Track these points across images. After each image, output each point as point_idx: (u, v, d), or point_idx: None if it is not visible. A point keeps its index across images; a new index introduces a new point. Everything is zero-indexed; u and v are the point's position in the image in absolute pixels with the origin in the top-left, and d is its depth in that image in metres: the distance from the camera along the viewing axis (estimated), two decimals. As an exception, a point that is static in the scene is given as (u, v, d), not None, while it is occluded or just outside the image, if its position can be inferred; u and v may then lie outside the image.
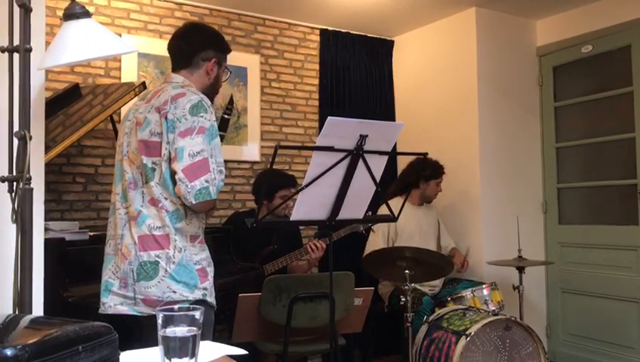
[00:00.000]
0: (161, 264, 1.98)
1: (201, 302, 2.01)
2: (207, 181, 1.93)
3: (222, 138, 2.33)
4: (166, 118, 1.98)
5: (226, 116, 2.46)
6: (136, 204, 2.04)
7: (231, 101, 2.47)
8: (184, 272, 2.00)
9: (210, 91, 2.23)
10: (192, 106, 1.99)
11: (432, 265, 3.32)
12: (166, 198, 2.02)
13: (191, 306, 1.04)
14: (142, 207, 2.03)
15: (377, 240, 3.84)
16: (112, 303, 2.04)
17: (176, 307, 1.05)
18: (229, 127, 3.38)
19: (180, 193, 1.94)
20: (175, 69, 2.21)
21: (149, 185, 2.02)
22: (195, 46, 2.18)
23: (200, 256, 2.07)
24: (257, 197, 3.59)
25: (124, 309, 2.03)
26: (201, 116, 1.98)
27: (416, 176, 3.89)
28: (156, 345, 1.03)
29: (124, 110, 3.37)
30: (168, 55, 2.25)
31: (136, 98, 2.19)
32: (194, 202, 1.93)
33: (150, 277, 1.98)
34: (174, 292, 1.97)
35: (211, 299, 2.09)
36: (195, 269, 2.02)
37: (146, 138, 2.03)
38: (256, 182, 3.72)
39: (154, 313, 1.95)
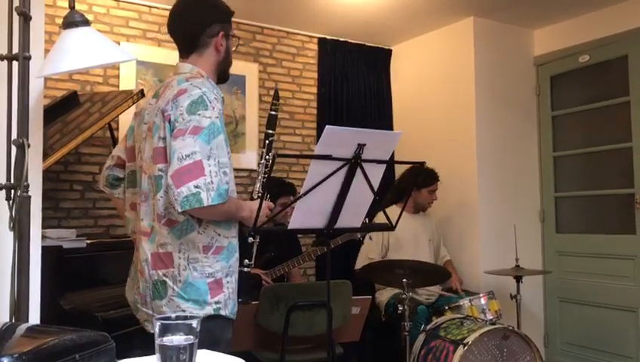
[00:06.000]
0: (168, 283, 1.89)
1: (214, 317, 1.90)
2: (197, 186, 1.76)
3: (269, 136, 2.25)
4: (169, 121, 1.87)
5: (272, 113, 2.30)
6: (148, 220, 1.95)
7: (276, 95, 2.29)
8: (191, 290, 1.89)
9: (224, 66, 2.10)
10: (191, 103, 1.84)
11: (429, 272, 3.33)
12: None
13: (189, 315, 1.04)
14: (153, 222, 1.94)
15: (372, 247, 3.83)
16: (142, 320, 2.03)
17: (173, 316, 1.05)
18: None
19: (170, 201, 1.82)
20: (183, 55, 2.07)
21: (156, 198, 1.91)
22: (198, 25, 2.02)
23: (214, 267, 1.92)
24: None
25: (150, 327, 1.96)
26: (199, 114, 1.83)
27: (410, 184, 3.87)
28: None
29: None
30: (173, 41, 2.09)
31: (150, 94, 2.10)
32: (180, 210, 1.77)
33: (161, 296, 1.91)
34: (184, 311, 1.88)
35: (226, 311, 1.94)
36: (207, 283, 1.90)
37: (156, 145, 1.92)
38: None
39: None
